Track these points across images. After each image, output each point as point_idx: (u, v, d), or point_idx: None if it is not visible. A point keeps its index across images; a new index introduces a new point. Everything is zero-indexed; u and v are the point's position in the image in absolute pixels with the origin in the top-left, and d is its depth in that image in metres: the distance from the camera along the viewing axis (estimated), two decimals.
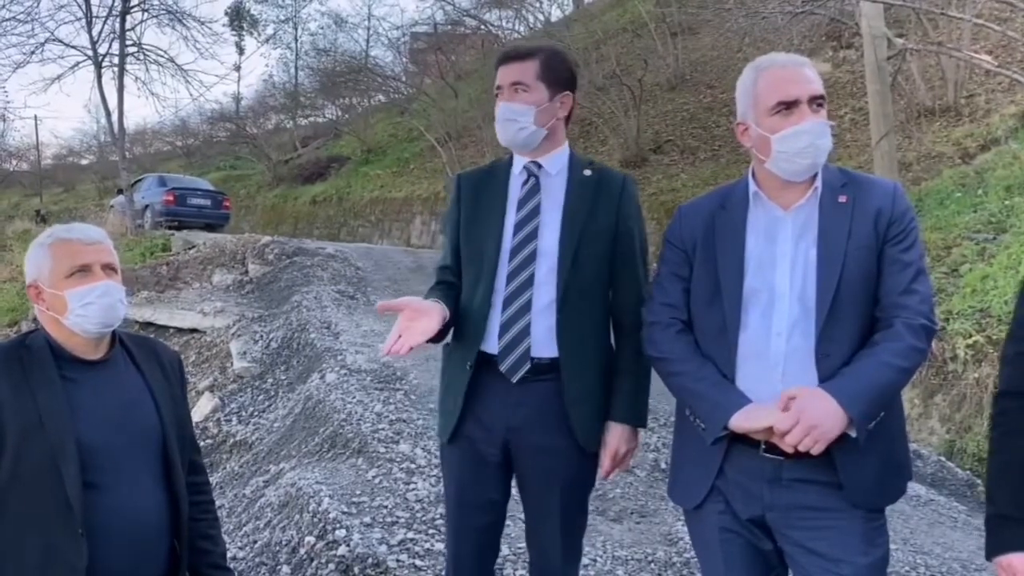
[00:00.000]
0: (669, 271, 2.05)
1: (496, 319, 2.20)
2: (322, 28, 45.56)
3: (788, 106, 1.87)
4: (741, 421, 1.81)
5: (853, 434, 1.75)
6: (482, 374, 2.21)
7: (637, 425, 2.25)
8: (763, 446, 1.84)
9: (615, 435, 2.22)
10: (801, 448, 1.72)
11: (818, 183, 1.91)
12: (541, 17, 24.36)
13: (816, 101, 1.87)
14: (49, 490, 1.79)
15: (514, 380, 2.18)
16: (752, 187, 1.95)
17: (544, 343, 2.19)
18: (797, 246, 1.89)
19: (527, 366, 2.17)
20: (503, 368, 2.18)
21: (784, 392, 1.78)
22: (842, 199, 1.89)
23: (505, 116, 2.23)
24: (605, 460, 2.23)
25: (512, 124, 2.22)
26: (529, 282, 2.19)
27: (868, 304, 1.85)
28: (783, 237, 1.90)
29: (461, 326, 2.26)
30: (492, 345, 2.20)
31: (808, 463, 1.79)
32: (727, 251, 1.94)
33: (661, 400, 5.81)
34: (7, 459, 1.79)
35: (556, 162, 2.29)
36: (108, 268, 1.94)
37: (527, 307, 2.18)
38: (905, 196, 1.93)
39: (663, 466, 4.71)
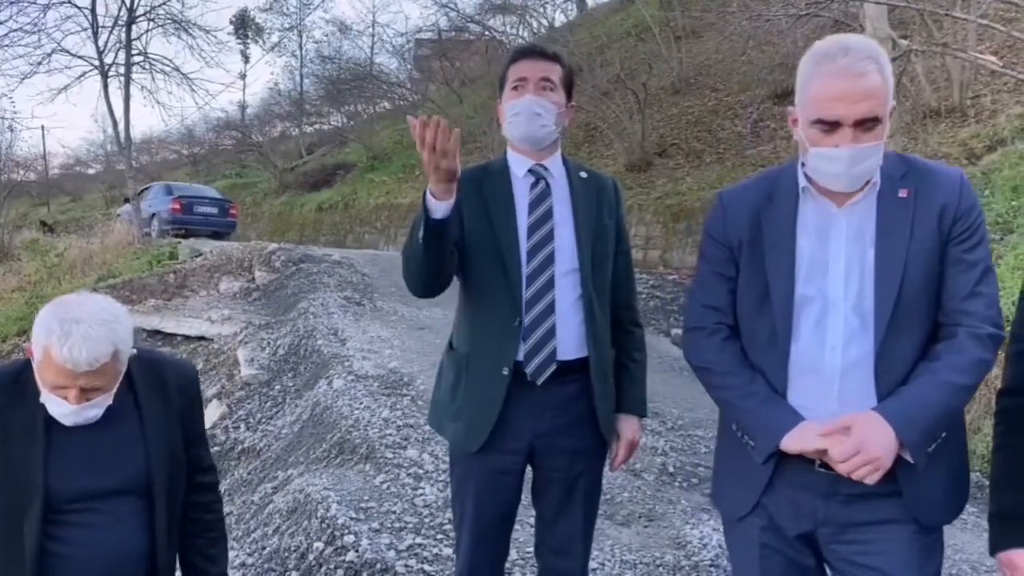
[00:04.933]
0: (712, 269, 1.87)
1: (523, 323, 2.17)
2: (327, 36, 45.74)
3: (830, 126, 1.66)
4: (794, 443, 1.69)
5: (910, 460, 1.65)
6: (511, 382, 2.17)
7: (643, 415, 2.37)
8: (818, 461, 1.71)
9: (630, 427, 2.33)
10: (855, 477, 1.62)
11: (876, 177, 1.72)
12: (545, 22, 24.43)
13: (864, 124, 1.64)
14: (7, 542, 1.78)
15: (539, 382, 2.16)
16: (802, 181, 1.77)
17: (570, 345, 2.18)
18: (852, 248, 1.72)
19: (552, 367, 2.16)
20: (529, 370, 2.15)
21: (840, 421, 1.65)
22: (902, 193, 1.71)
23: (532, 109, 2.17)
24: (621, 451, 2.31)
25: (537, 119, 2.17)
26: (550, 284, 2.17)
27: (931, 310, 1.71)
28: (836, 237, 1.73)
29: (484, 333, 2.20)
30: (520, 352, 2.17)
31: None
32: (776, 252, 1.77)
33: (668, 403, 5.85)
34: None
35: (556, 165, 2.30)
36: (92, 390, 1.81)
37: (550, 308, 2.17)
38: (971, 188, 1.74)
39: (671, 470, 4.71)
